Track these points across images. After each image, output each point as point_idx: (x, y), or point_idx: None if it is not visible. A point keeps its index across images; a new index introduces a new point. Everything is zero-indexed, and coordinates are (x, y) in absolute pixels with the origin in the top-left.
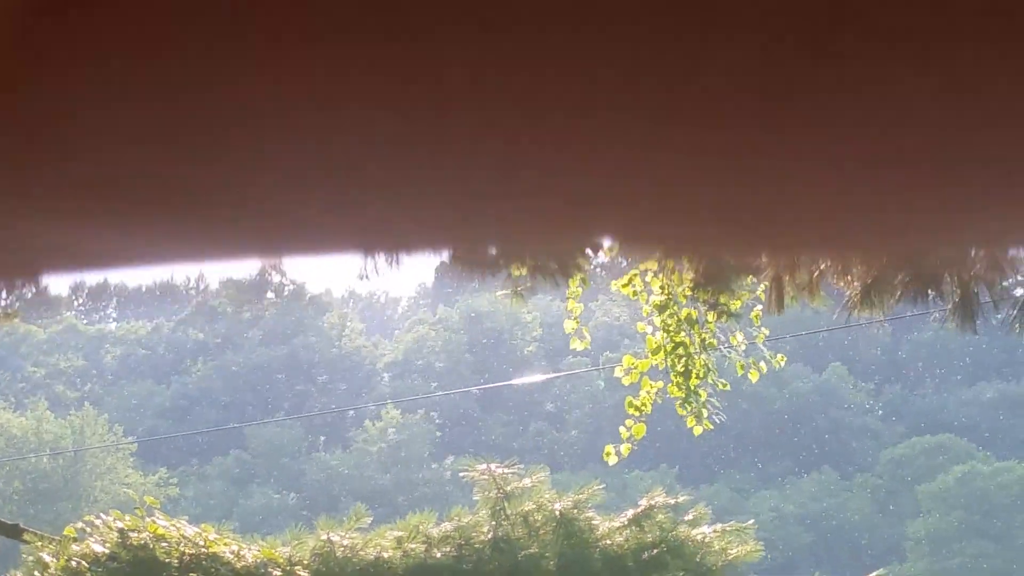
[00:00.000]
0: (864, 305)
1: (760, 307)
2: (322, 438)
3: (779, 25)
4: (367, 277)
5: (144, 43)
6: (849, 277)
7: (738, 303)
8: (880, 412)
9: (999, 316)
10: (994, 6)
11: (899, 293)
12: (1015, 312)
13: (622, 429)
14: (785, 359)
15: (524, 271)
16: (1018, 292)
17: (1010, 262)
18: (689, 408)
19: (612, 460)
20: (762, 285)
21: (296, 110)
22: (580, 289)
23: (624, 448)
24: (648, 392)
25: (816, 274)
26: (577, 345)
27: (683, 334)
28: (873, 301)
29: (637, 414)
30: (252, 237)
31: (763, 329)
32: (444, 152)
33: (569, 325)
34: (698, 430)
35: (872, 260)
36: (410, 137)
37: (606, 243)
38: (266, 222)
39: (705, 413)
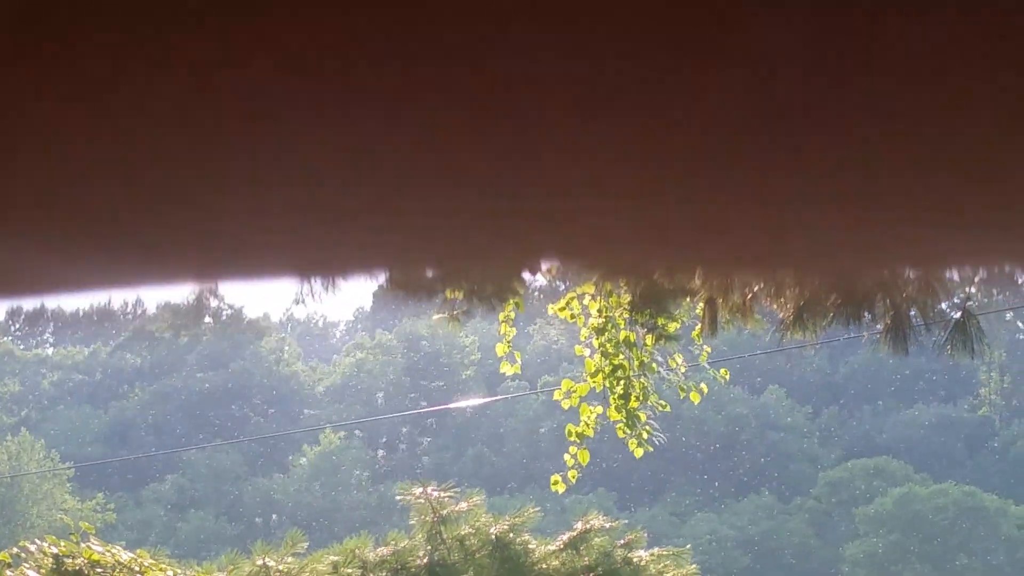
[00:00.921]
0: (797, 327)
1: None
2: (260, 463)
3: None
4: (303, 302)
5: (80, 77)
6: (782, 299)
7: (676, 325)
8: (817, 435)
9: (932, 338)
10: (917, 49)
11: (831, 315)
12: (947, 334)
13: (567, 456)
14: (729, 373)
15: (460, 295)
16: (953, 314)
17: (943, 285)
18: (629, 431)
19: (560, 488)
20: (698, 307)
21: (231, 136)
22: (513, 313)
23: (571, 475)
24: (588, 417)
25: (749, 296)
26: (507, 370)
27: (621, 357)
28: (806, 323)
29: (579, 440)
30: (189, 262)
31: (705, 348)
32: (381, 175)
33: (501, 349)
34: (638, 453)
35: (805, 280)
36: (345, 161)
37: (545, 264)
38: (203, 247)
39: (645, 436)
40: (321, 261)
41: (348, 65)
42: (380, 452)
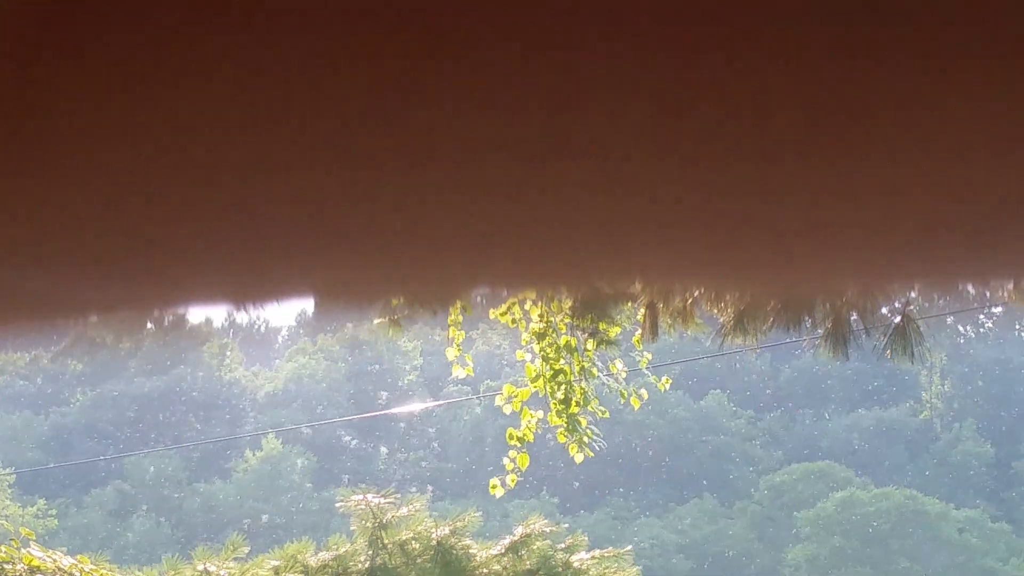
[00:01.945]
0: (737, 332)
1: (640, 332)
2: (201, 468)
3: (650, 60)
4: (246, 309)
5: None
6: (723, 304)
7: (616, 330)
8: (759, 439)
9: (872, 343)
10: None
11: (772, 320)
12: (887, 339)
13: (506, 460)
14: (671, 381)
15: (401, 300)
16: (893, 319)
17: (883, 290)
18: (569, 436)
19: (499, 492)
20: (640, 312)
21: (163, 160)
22: (461, 317)
23: (510, 479)
24: (529, 422)
25: (690, 301)
26: (459, 373)
27: (562, 361)
28: (746, 328)
29: (519, 445)
30: (123, 292)
31: (646, 353)
32: (312, 200)
33: (451, 353)
34: (579, 458)
35: (745, 289)
36: (278, 185)
37: (481, 291)
38: (137, 277)
39: (586, 440)
40: (254, 287)
41: (275, 90)
42: (322, 457)
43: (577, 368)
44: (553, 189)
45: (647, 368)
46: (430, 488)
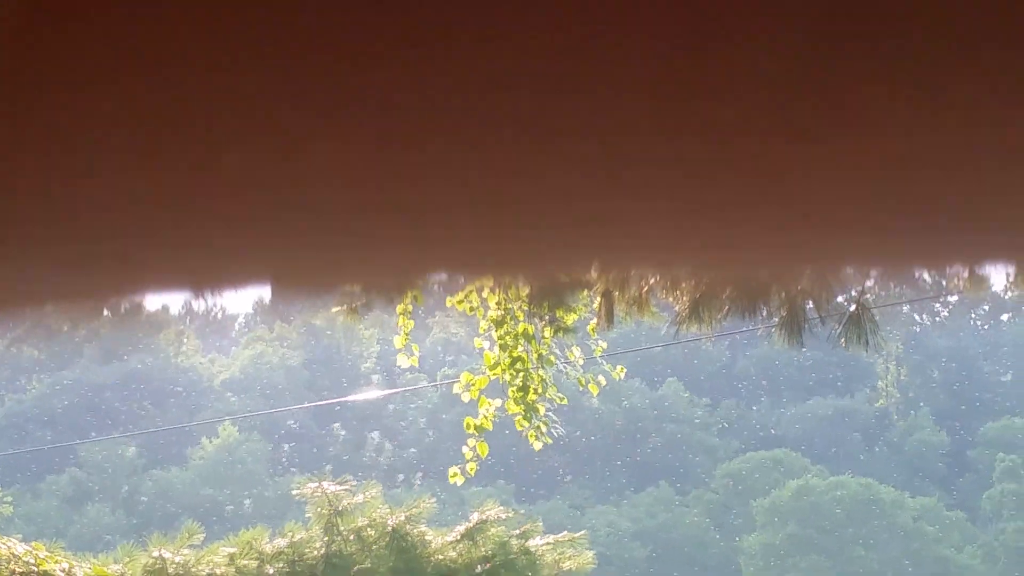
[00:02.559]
0: (693, 320)
1: (596, 320)
2: (158, 456)
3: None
4: (203, 297)
5: None
6: (678, 292)
7: (573, 317)
8: (716, 427)
9: (828, 331)
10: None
11: (727, 308)
12: (841, 327)
13: (465, 449)
14: (625, 370)
15: (358, 288)
16: (849, 307)
17: (838, 278)
18: (527, 423)
19: (459, 481)
20: (596, 300)
21: (118, 151)
22: (411, 306)
23: (470, 467)
24: (487, 410)
25: (645, 289)
26: (404, 362)
27: (520, 349)
28: (701, 316)
29: (477, 433)
30: (80, 280)
31: (600, 342)
32: (267, 188)
33: (399, 341)
34: (537, 445)
35: (701, 275)
36: (234, 173)
37: (437, 278)
38: (94, 265)
39: (544, 428)
40: (210, 275)
41: (223, 71)
42: (279, 445)
43: (535, 356)
44: (509, 177)
45: (602, 356)
46: (387, 475)
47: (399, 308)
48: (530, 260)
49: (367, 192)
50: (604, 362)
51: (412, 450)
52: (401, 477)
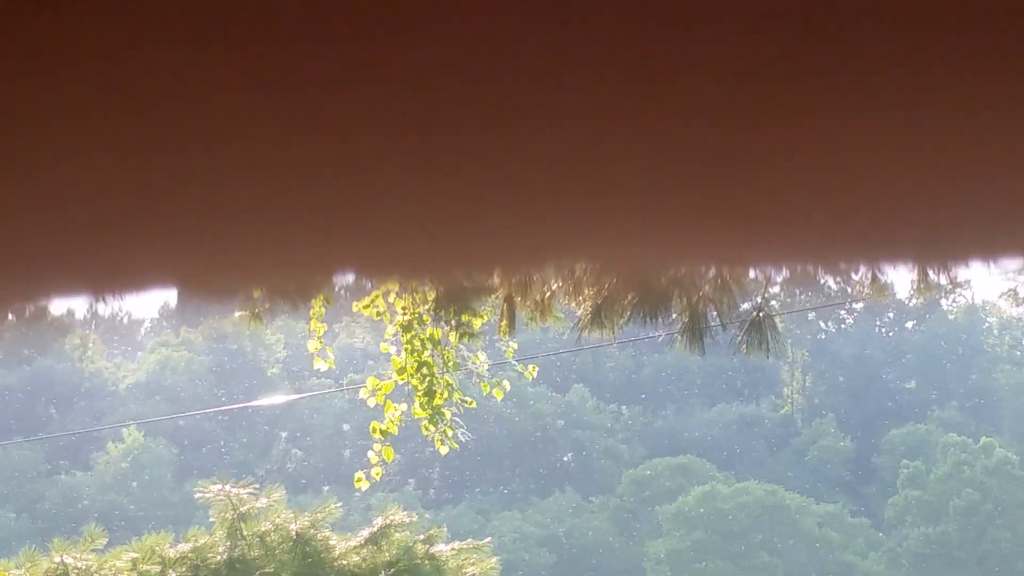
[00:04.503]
0: (595, 325)
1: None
2: (62, 460)
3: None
4: (105, 300)
5: None
6: (580, 298)
7: (480, 322)
8: (621, 433)
9: (729, 337)
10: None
11: (629, 313)
12: (742, 333)
13: (371, 453)
14: (537, 369)
15: (263, 292)
16: (752, 314)
17: (740, 285)
18: (433, 428)
19: (364, 485)
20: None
21: (18, 153)
22: (324, 309)
23: (375, 472)
24: (393, 414)
25: (548, 294)
26: (320, 365)
27: (427, 354)
28: (603, 321)
29: (383, 438)
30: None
31: (511, 344)
32: (170, 190)
33: (312, 345)
34: (444, 450)
35: (603, 276)
36: (135, 175)
37: (343, 282)
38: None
39: (450, 433)
40: (114, 279)
41: (121, 69)
42: (184, 450)
43: (442, 360)
44: (412, 178)
45: (512, 359)
46: (293, 481)
47: (312, 312)
48: (433, 261)
49: (272, 193)
50: (516, 363)
51: (317, 456)
52: (305, 482)
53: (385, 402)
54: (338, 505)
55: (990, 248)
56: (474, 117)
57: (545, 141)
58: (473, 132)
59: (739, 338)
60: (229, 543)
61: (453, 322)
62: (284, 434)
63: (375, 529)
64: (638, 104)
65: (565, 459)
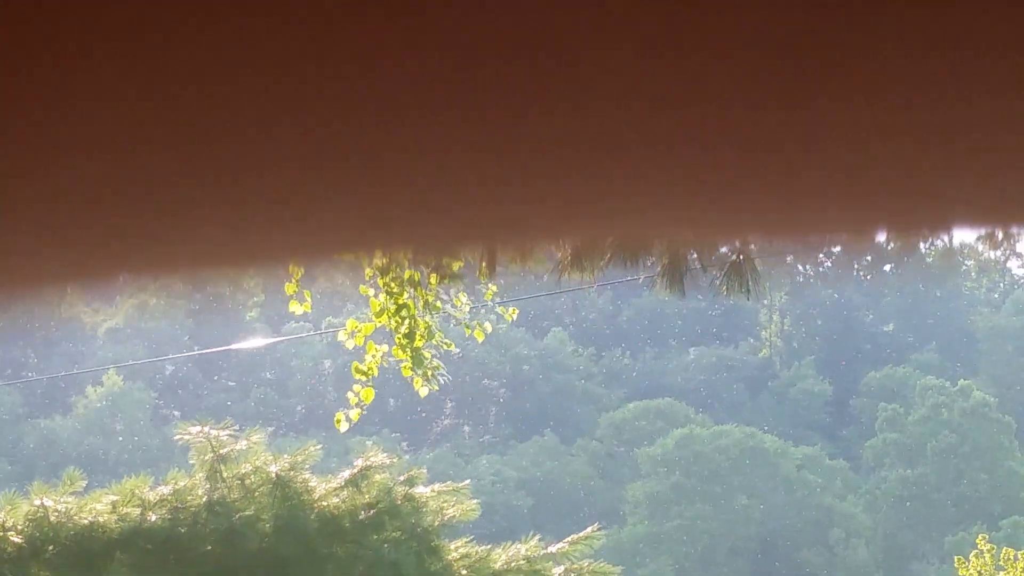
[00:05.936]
0: (575, 268)
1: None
2: (41, 404)
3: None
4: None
5: None
6: (560, 241)
7: (459, 264)
8: (600, 377)
9: (710, 280)
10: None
11: (608, 256)
12: (723, 276)
13: (350, 394)
14: (517, 311)
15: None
16: (732, 257)
17: (716, 241)
18: (415, 370)
19: (343, 427)
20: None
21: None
22: None
23: (354, 414)
24: (374, 356)
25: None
26: (297, 309)
27: (406, 296)
28: (583, 264)
29: (364, 379)
30: None
31: (491, 286)
32: (127, 176)
33: (290, 288)
34: (423, 392)
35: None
36: (97, 159)
37: (320, 267)
38: None
39: (429, 375)
40: (81, 264)
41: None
42: (163, 394)
43: (421, 302)
44: (395, 145)
45: (491, 301)
46: (272, 423)
47: None
48: (415, 233)
49: (255, 158)
50: (497, 305)
51: (296, 399)
52: (286, 426)
53: (366, 343)
54: (318, 447)
55: (989, 216)
56: (468, 94)
57: (549, 118)
58: (470, 110)
59: (719, 281)
60: (209, 485)
61: (432, 264)
62: (263, 378)
63: (355, 471)
64: (648, 82)
65: (544, 403)
